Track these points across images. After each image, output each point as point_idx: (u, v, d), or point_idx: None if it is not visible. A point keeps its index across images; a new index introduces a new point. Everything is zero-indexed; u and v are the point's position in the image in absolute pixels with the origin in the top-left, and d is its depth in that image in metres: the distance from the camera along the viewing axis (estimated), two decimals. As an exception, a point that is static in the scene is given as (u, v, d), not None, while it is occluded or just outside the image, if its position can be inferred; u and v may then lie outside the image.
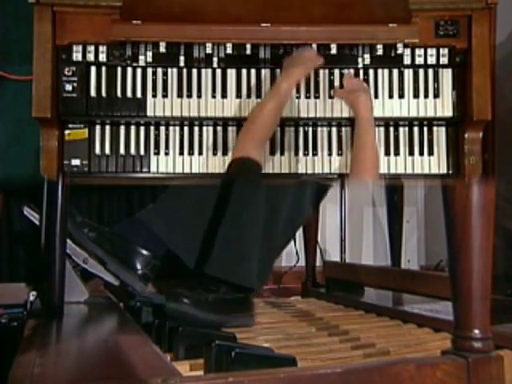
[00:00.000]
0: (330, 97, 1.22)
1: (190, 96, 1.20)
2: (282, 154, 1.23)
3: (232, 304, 1.19)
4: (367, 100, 1.19)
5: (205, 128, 1.23)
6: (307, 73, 1.20)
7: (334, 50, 1.22)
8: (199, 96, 1.21)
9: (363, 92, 1.19)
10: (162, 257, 1.39)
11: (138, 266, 1.35)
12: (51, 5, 1.12)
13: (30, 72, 1.11)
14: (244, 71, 1.22)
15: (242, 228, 1.19)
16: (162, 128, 1.23)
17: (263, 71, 1.22)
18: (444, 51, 1.21)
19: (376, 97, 1.22)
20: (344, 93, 1.21)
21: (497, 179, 1.08)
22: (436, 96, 1.21)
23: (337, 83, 1.22)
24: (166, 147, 1.22)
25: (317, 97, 1.22)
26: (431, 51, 1.22)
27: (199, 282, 1.20)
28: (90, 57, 1.19)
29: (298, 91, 1.22)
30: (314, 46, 1.21)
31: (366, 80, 1.22)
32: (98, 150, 1.20)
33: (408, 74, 1.23)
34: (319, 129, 1.24)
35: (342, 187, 2.12)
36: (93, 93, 1.19)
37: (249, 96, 1.21)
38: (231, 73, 1.22)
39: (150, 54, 1.21)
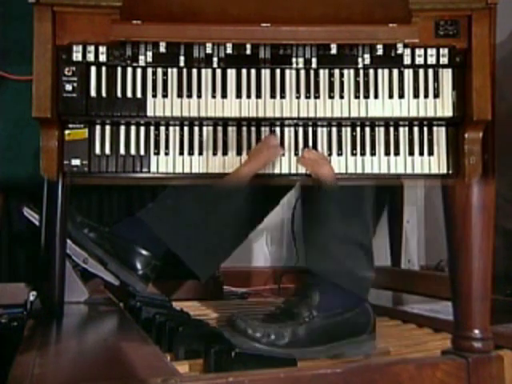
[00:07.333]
0: (330, 97, 1.22)
1: (190, 96, 1.20)
2: (282, 154, 1.23)
3: (325, 333, 1.10)
4: (330, 168, 1.19)
5: (205, 128, 1.23)
6: (269, 161, 1.18)
7: (334, 50, 1.22)
8: (199, 96, 1.20)
9: (325, 161, 1.19)
10: (162, 257, 1.39)
11: (139, 266, 1.35)
12: (51, 5, 1.12)
13: (30, 72, 1.10)
14: (244, 71, 1.22)
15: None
16: (162, 128, 1.22)
17: (263, 71, 1.22)
18: (444, 51, 1.21)
19: (376, 97, 1.22)
20: (308, 161, 1.20)
21: (497, 179, 1.08)
22: (436, 96, 1.21)
23: (337, 83, 1.22)
24: (166, 147, 1.22)
25: (317, 97, 1.21)
26: (431, 51, 1.21)
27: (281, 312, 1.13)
28: (90, 57, 1.19)
29: (298, 91, 1.22)
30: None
31: (366, 80, 1.22)
32: (98, 150, 1.20)
33: (408, 74, 1.22)
34: (319, 129, 1.24)
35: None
36: (93, 93, 1.19)
37: (249, 96, 1.21)
38: (231, 73, 1.22)
39: (149, 53, 1.21)
